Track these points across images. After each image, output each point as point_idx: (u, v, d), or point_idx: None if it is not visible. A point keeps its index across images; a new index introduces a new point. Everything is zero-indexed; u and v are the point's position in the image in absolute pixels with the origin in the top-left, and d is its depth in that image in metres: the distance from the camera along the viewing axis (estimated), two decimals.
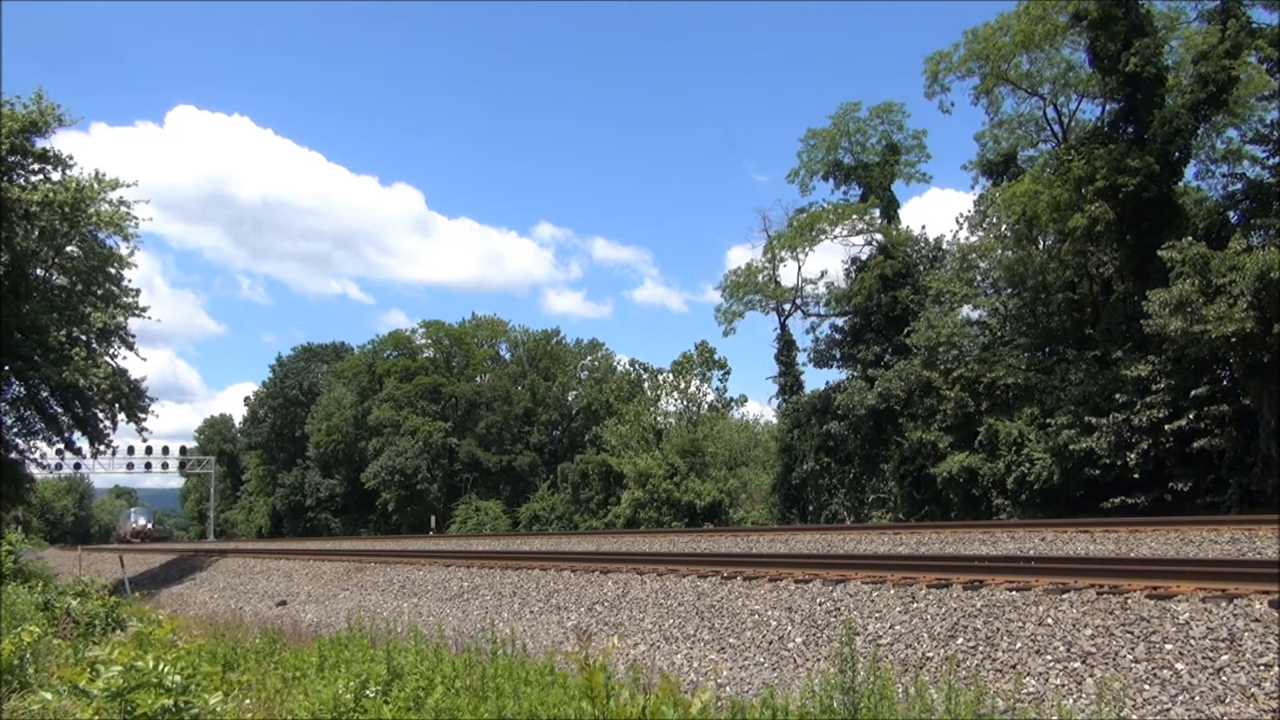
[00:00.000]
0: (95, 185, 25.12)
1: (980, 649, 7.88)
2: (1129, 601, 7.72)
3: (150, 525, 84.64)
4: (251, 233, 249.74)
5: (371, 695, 6.14)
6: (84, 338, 26.52)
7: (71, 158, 25.31)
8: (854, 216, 39.69)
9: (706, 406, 56.67)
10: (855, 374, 38.29)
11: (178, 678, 4.28)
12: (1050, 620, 7.87)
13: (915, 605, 9.07)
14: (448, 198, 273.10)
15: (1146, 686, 6.56)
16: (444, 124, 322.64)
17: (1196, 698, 6.26)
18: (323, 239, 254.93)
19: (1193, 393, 23.98)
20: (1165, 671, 6.64)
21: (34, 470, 31.02)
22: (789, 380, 42.06)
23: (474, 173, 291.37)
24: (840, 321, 41.22)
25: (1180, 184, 28.97)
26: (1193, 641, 6.87)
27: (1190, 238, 24.06)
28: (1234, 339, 22.00)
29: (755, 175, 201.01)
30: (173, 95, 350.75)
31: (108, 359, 27.25)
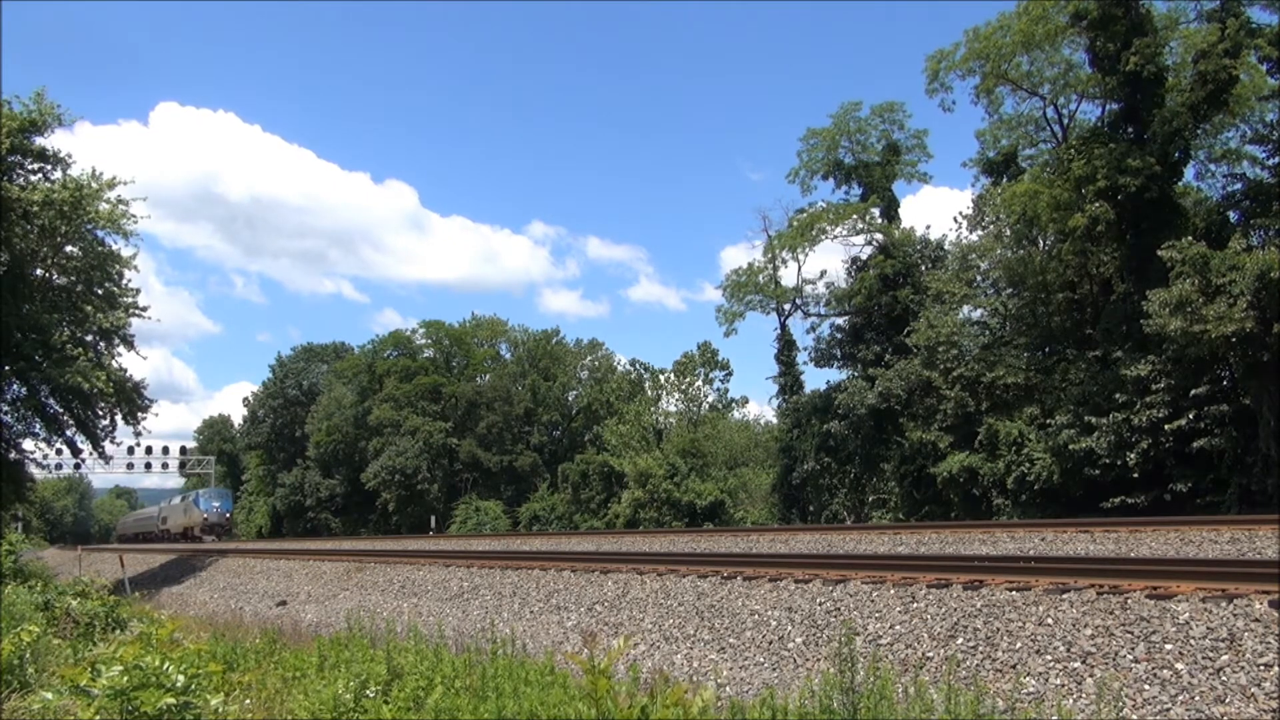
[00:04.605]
0: (94, 184, 25.12)
1: (980, 649, 7.88)
2: (1129, 601, 7.72)
3: (228, 514, 63.21)
4: (244, 230, 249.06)
5: (371, 695, 6.14)
6: (88, 338, 26.52)
7: (70, 156, 25.33)
8: (854, 216, 39.72)
9: (707, 406, 56.73)
10: (855, 374, 38.30)
11: (181, 677, 4.28)
12: (1050, 620, 7.88)
13: (915, 605, 9.07)
14: (441, 195, 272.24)
15: (1146, 686, 6.56)
16: (436, 120, 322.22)
17: (1196, 698, 6.27)
18: (316, 236, 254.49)
19: (1193, 393, 23.99)
20: (1165, 671, 6.65)
21: (34, 470, 31.04)
22: (789, 380, 42.08)
23: (466, 170, 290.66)
24: (840, 321, 41.27)
25: (1180, 184, 28.99)
26: (1193, 641, 6.87)
27: (1190, 238, 24.07)
28: (1234, 339, 22.01)
29: (750, 173, 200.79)
30: (156, 92, 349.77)
31: (113, 361, 27.27)
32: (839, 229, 40.35)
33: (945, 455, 31.07)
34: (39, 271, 26.19)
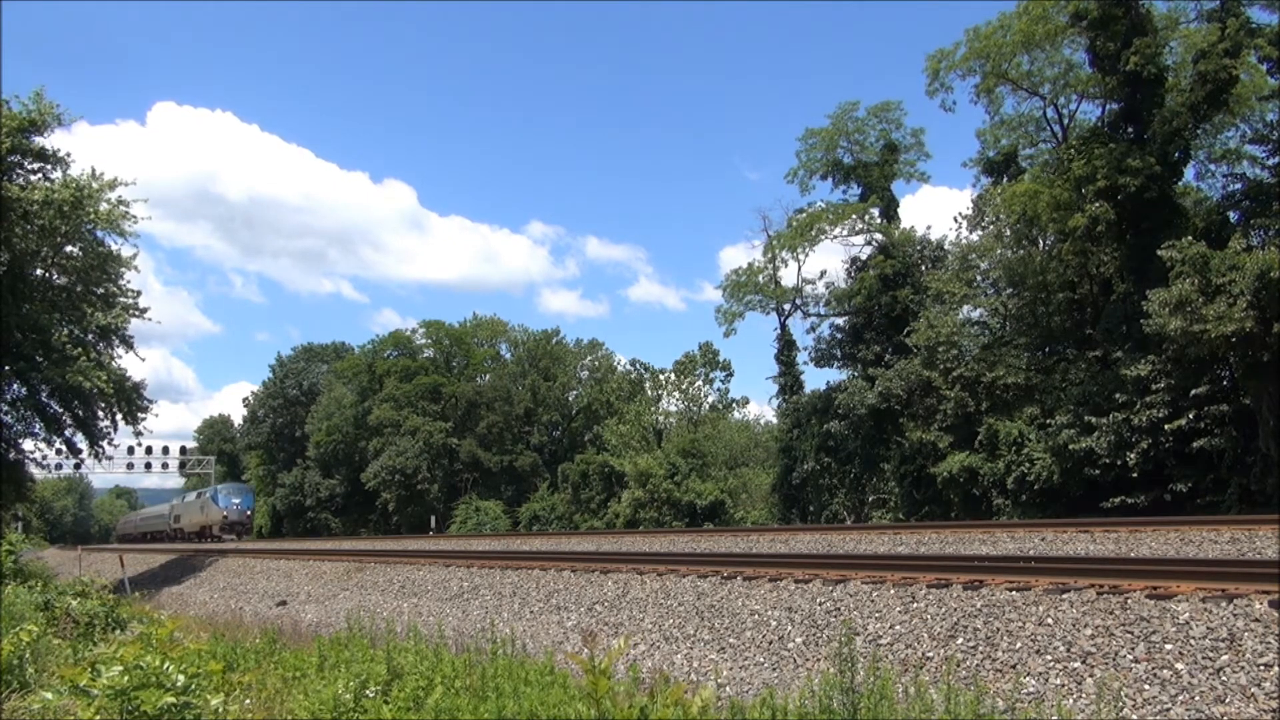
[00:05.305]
0: (94, 185, 25.10)
1: (980, 649, 7.88)
2: (1129, 601, 7.72)
3: (249, 511, 58.64)
4: (243, 230, 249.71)
5: (371, 695, 6.14)
6: (88, 337, 26.52)
7: (70, 156, 25.29)
8: (854, 216, 39.71)
9: (707, 406, 56.73)
10: (855, 374, 38.30)
11: (181, 677, 4.28)
12: (1050, 620, 7.87)
13: (915, 605, 9.07)
14: (440, 194, 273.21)
15: (1146, 686, 6.56)
16: (434, 120, 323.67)
17: (1196, 698, 6.27)
18: (315, 236, 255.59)
19: (1193, 392, 23.99)
20: (1165, 671, 6.65)
21: (34, 470, 31.04)
22: (789, 380, 42.06)
23: (465, 169, 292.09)
24: (840, 321, 41.26)
25: (1180, 184, 28.99)
26: (1193, 641, 6.87)
27: (1190, 237, 24.07)
28: (1234, 339, 22.01)
29: (749, 173, 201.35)
30: (154, 92, 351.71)
31: (114, 361, 27.26)
32: (838, 229, 40.36)
33: (945, 455, 31.06)
34: (39, 271, 26.18)
